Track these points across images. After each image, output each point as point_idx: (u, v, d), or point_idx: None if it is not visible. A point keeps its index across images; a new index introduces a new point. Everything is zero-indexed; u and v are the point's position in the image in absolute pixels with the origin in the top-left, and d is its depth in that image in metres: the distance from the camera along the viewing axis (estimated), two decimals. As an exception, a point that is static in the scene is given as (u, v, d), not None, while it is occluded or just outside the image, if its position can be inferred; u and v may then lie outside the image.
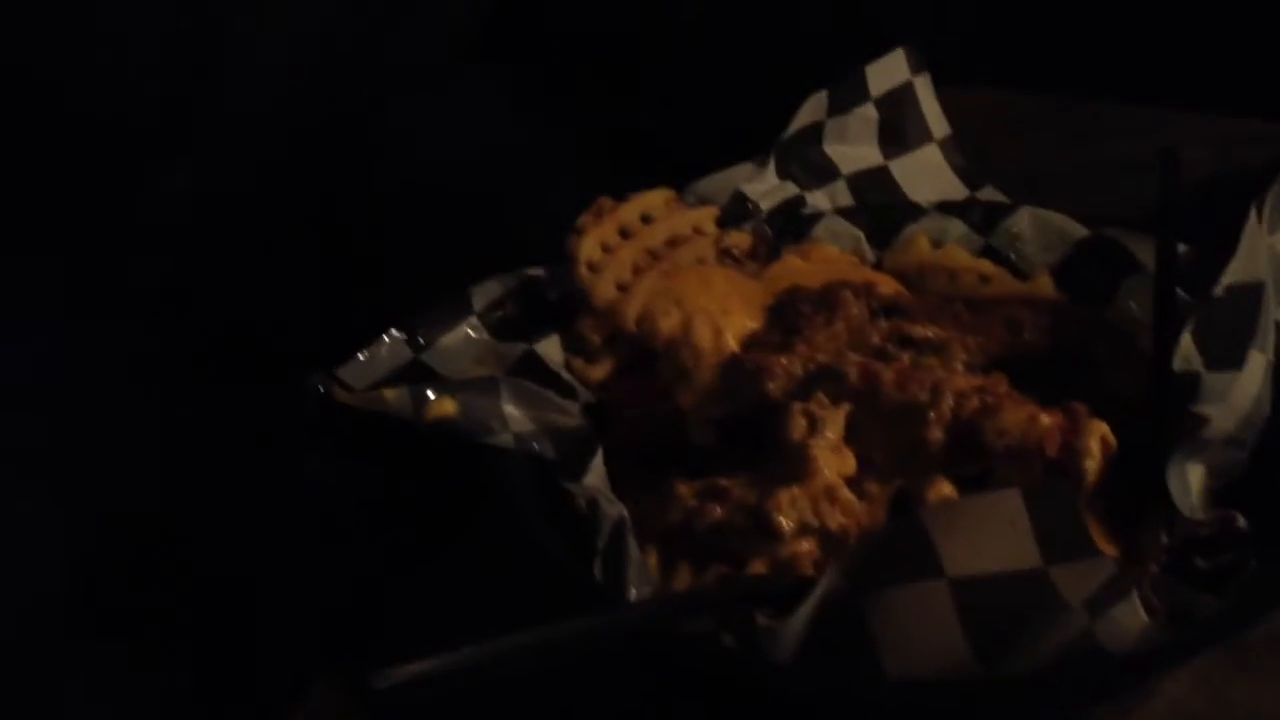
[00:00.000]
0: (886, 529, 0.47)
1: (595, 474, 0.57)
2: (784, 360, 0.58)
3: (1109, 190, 0.87)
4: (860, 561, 0.47)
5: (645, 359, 0.63)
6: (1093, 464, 0.52)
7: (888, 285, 0.67)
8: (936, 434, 0.54)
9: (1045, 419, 0.53)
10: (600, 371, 0.63)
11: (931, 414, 0.54)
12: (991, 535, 0.44)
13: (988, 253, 0.69)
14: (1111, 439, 0.53)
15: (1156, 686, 0.52)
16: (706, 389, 0.59)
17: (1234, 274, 0.57)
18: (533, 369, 0.62)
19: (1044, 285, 0.67)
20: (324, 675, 0.51)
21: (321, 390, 0.56)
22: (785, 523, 0.53)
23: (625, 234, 0.66)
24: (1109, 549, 0.52)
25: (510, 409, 0.57)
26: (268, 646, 0.55)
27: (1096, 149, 0.93)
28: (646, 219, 0.67)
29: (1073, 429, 0.53)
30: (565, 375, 0.63)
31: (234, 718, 0.55)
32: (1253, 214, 0.57)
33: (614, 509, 0.54)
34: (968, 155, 0.77)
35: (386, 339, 0.61)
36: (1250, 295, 0.56)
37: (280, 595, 0.58)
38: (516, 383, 0.58)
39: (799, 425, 0.55)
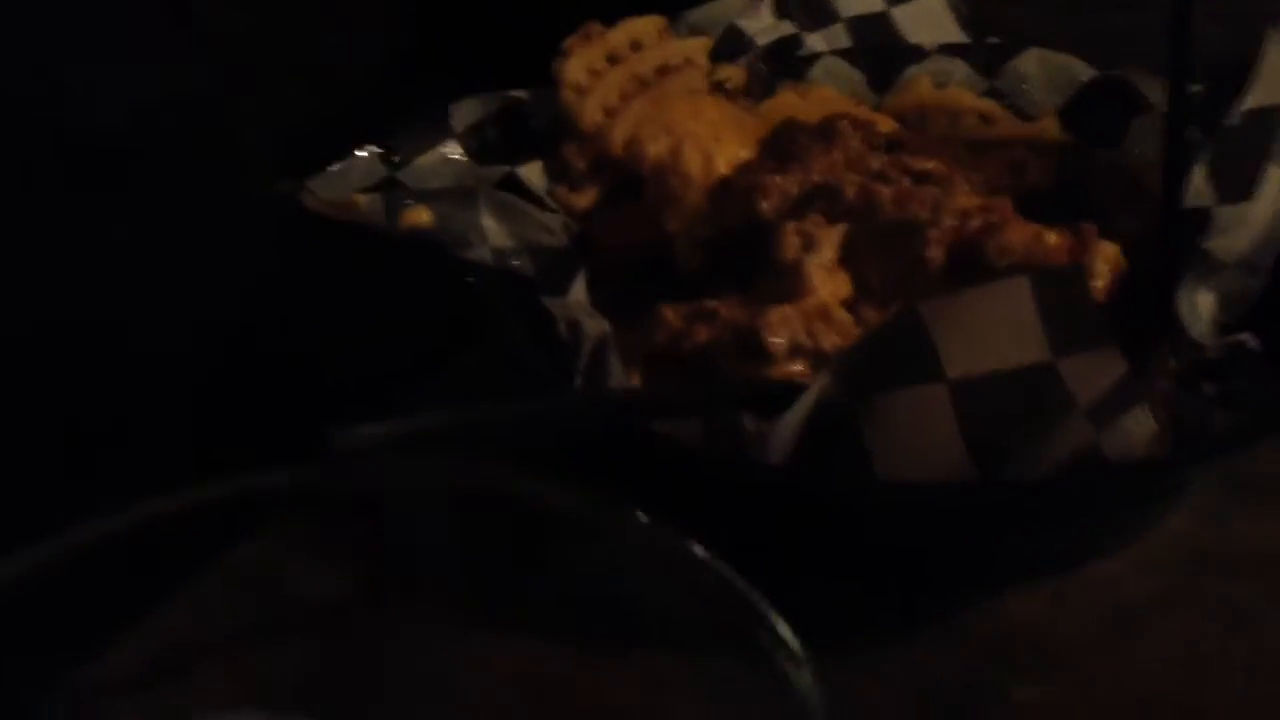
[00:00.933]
0: (883, 327, 0.44)
1: (578, 292, 0.54)
2: (778, 179, 0.55)
3: (1111, 62, 0.84)
4: (855, 364, 0.44)
5: (632, 186, 0.60)
6: (1101, 284, 0.50)
7: (887, 125, 0.64)
8: (936, 253, 0.51)
9: (1052, 237, 0.51)
10: (585, 199, 0.60)
11: (932, 232, 0.52)
12: (996, 329, 0.42)
13: (992, 95, 0.66)
14: (1121, 260, 0.51)
15: (1159, 518, 0.50)
16: (695, 211, 0.57)
17: (1252, 99, 0.54)
18: (515, 193, 0.59)
19: (1050, 127, 0.64)
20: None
21: (291, 195, 0.53)
22: (776, 342, 0.50)
23: (613, 60, 0.63)
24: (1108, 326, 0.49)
25: (489, 222, 0.54)
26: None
27: (1100, 18, 0.91)
28: (636, 46, 0.64)
29: (1080, 249, 0.51)
30: (548, 201, 0.60)
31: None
32: (1272, 40, 0.54)
33: (597, 325, 0.52)
34: (971, 7, 0.74)
35: (362, 154, 0.58)
36: (1270, 119, 0.53)
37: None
38: (497, 194, 0.55)
39: (792, 243, 0.53)
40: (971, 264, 0.51)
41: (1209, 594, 0.48)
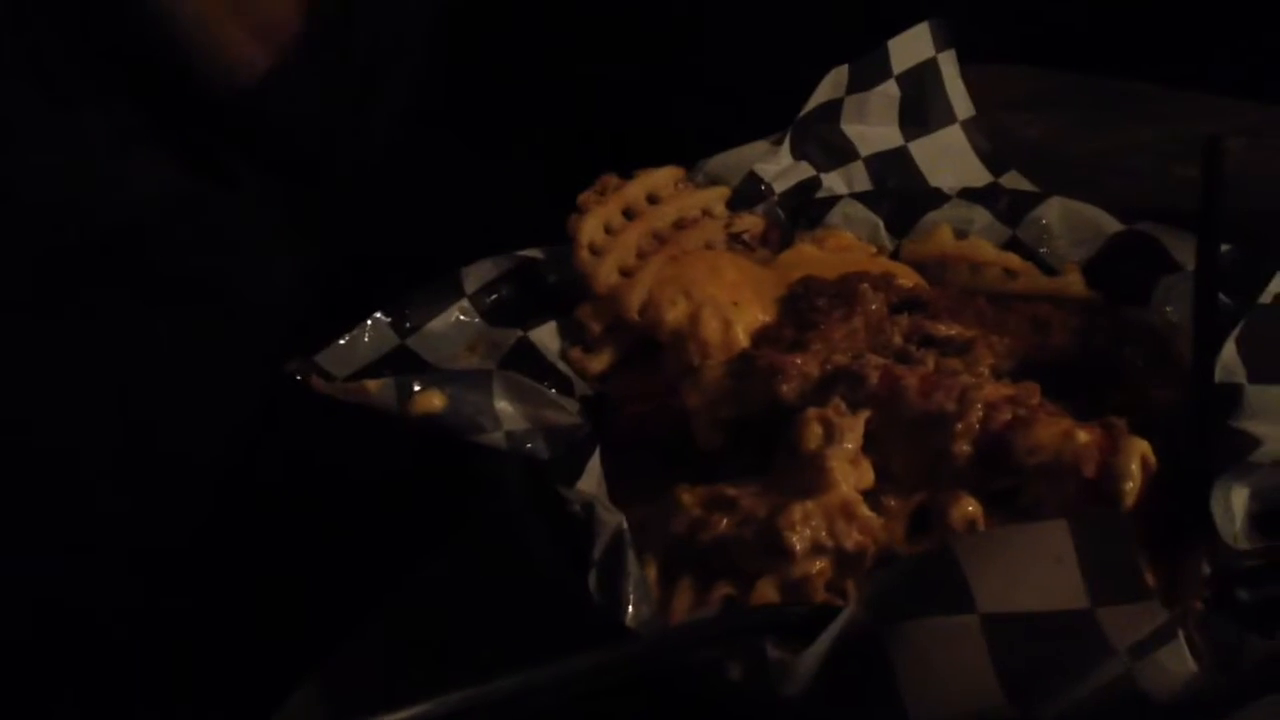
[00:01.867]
0: (915, 557, 0.43)
1: (592, 476, 0.53)
2: (799, 360, 0.54)
3: (1130, 175, 0.83)
4: (884, 591, 0.43)
5: (648, 350, 0.59)
6: (1132, 486, 0.48)
7: (907, 277, 0.63)
8: (963, 447, 0.50)
9: (1082, 435, 0.49)
10: (600, 363, 0.59)
11: (958, 425, 0.50)
12: (1031, 570, 0.40)
13: (1014, 245, 0.65)
14: (1152, 458, 0.50)
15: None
16: (714, 387, 0.55)
17: (1285, 281, 0.53)
18: (527, 357, 0.58)
19: (1074, 282, 0.63)
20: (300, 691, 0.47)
21: (298, 379, 0.52)
22: (797, 541, 0.49)
23: (630, 214, 0.62)
24: (1148, 577, 0.48)
25: (503, 405, 0.53)
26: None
27: (1119, 133, 0.89)
28: (653, 199, 0.63)
29: (1111, 447, 0.49)
30: (562, 366, 0.58)
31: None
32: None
33: (612, 518, 0.50)
34: (989, 135, 0.73)
35: (370, 322, 0.56)
36: (1304, 305, 0.52)
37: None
38: (510, 376, 0.53)
39: (814, 433, 0.51)
40: (999, 458, 0.50)
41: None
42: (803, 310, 0.59)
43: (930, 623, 0.42)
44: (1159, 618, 0.40)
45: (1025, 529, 0.41)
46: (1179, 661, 0.42)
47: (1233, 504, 0.49)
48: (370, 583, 0.52)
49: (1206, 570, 0.49)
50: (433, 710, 0.33)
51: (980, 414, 0.50)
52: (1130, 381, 0.58)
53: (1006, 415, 0.50)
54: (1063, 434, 0.50)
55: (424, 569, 0.54)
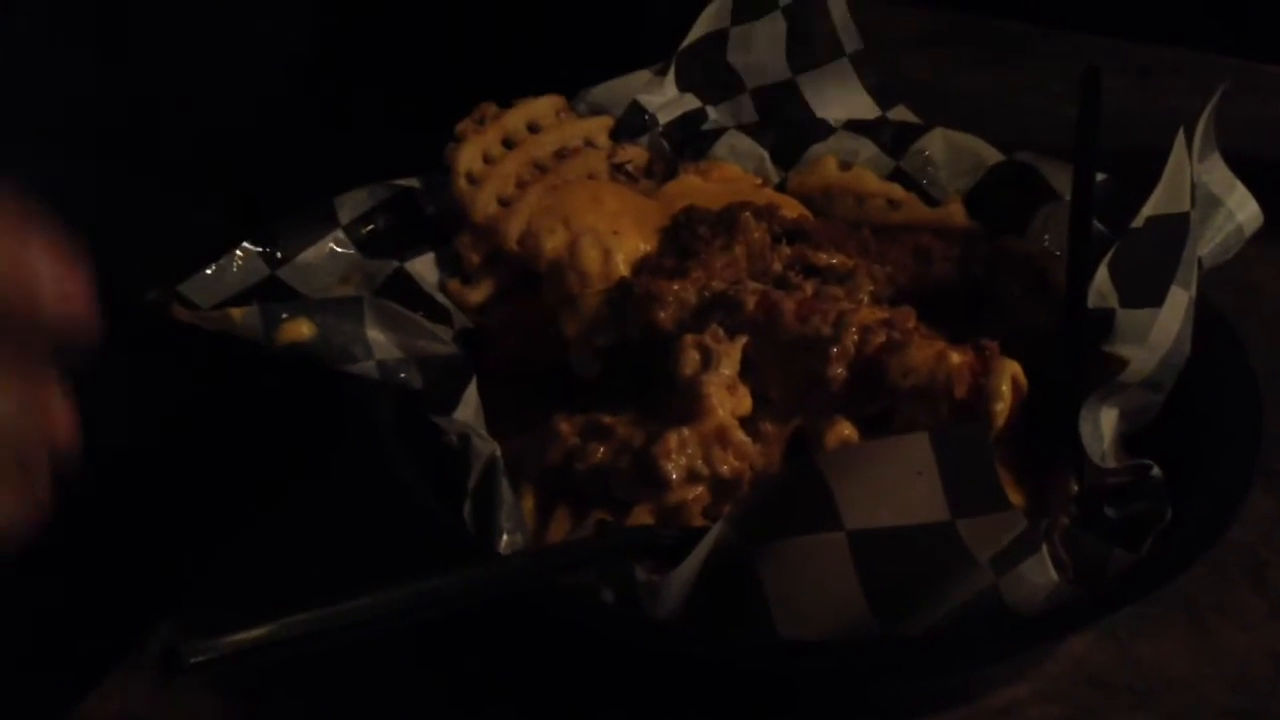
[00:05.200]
0: (781, 475, 0.43)
1: (468, 406, 0.52)
2: (676, 286, 0.53)
3: (1021, 114, 0.84)
4: (752, 511, 0.42)
5: (527, 281, 0.58)
6: (1003, 407, 0.49)
7: (791, 208, 0.62)
8: (838, 370, 0.50)
9: (955, 357, 0.49)
10: (478, 294, 0.58)
11: (834, 349, 0.50)
12: (895, 484, 0.40)
13: (898, 176, 0.65)
14: (1023, 380, 0.50)
15: (1060, 642, 0.49)
16: (592, 315, 0.55)
17: (1156, 205, 0.53)
18: (404, 289, 0.57)
19: (956, 213, 0.63)
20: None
21: (159, 306, 0.50)
22: (672, 469, 0.48)
23: (509, 143, 0.60)
24: (1015, 496, 0.49)
25: (375, 333, 0.51)
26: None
27: (1008, 71, 0.90)
28: (533, 128, 0.61)
29: (983, 369, 0.49)
30: (439, 297, 0.57)
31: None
32: (1179, 142, 0.53)
33: (486, 446, 0.49)
34: (878, 72, 0.73)
35: (239, 252, 0.54)
36: (1173, 228, 0.52)
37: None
38: (382, 304, 0.52)
39: (691, 359, 0.51)
40: (874, 381, 0.50)
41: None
42: (684, 239, 0.58)
43: (798, 541, 0.42)
44: (1019, 528, 0.40)
45: (887, 443, 0.42)
46: (1041, 573, 0.42)
47: (1101, 424, 0.50)
48: (231, 517, 0.51)
49: (1074, 489, 0.49)
50: (280, 631, 0.32)
51: (856, 337, 0.50)
52: (1007, 308, 0.58)
53: (881, 338, 0.50)
54: (936, 356, 0.50)
55: (283, 503, 0.53)
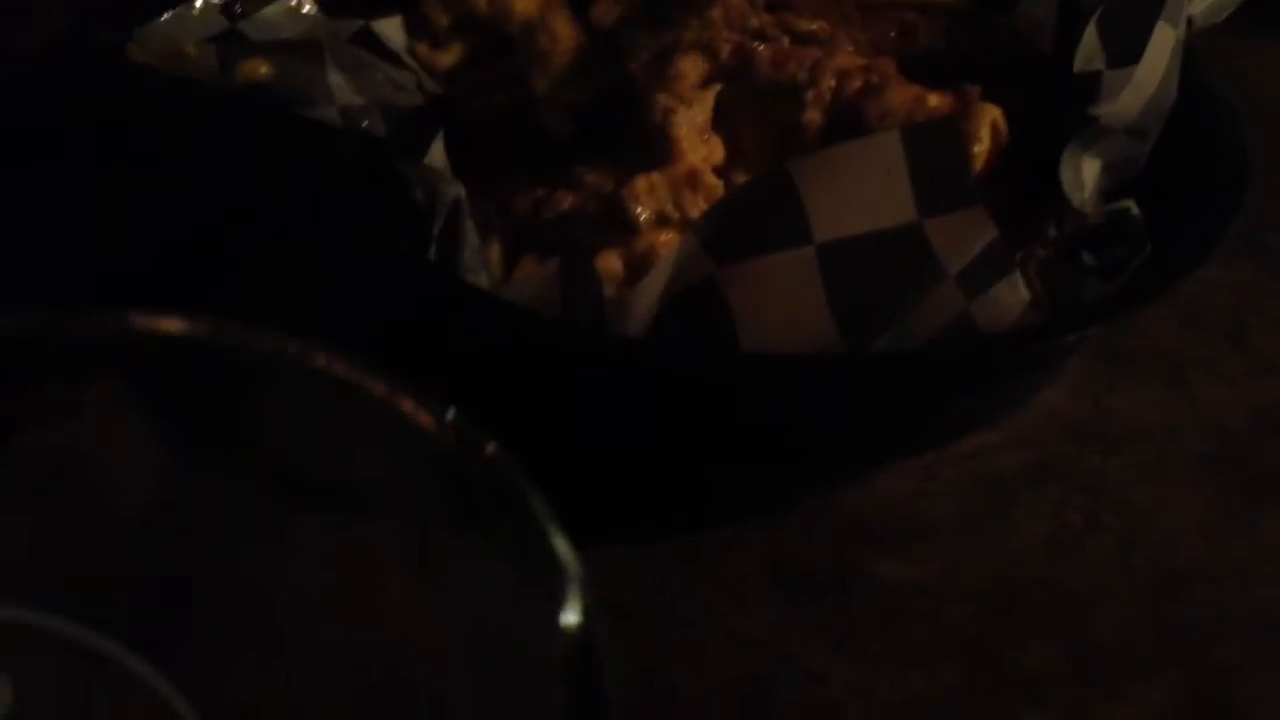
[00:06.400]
0: (750, 183, 0.42)
1: (435, 156, 0.50)
2: (648, 37, 0.52)
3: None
4: (719, 224, 0.41)
5: (499, 45, 0.56)
6: (981, 149, 0.48)
7: (773, -21, 0.60)
8: (814, 116, 0.49)
9: (933, 99, 0.48)
10: (448, 58, 0.56)
11: (810, 93, 0.49)
12: (865, 187, 0.39)
13: (882, -47, 0.63)
14: (1003, 125, 0.49)
15: (1033, 391, 0.48)
16: (563, 69, 0.53)
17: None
18: (370, 50, 0.55)
19: (941, -12, 0.61)
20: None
21: (113, 47, 0.48)
22: (641, 211, 0.47)
23: (480, -95, 0.58)
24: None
25: (336, 78, 0.50)
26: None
27: None
28: (505, -110, 0.59)
29: (963, 112, 0.48)
30: (408, 60, 0.55)
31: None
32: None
33: (452, 189, 0.48)
34: None
35: (198, 2, 0.53)
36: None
37: None
38: (345, 47, 0.50)
39: (661, 105, 0.49)
40: (851, 127, 0.49)
41: (1081, 469, 0.47)
42: (659, 2, 0.56)
43: (767, 259, 0.41)
44: (988, 234, 0.39)
45: (858, 143, 0.40)
46: (1012, 293, 0.41)
47: (1083, 172, 0.49)
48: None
49: (1052, 234, 0.48)
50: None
51: (832, 83, 0.49)
52: (994, 85, 0.56)
53: (858, 83, 0.49)
54: (914, 98, 0.48)
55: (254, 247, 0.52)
